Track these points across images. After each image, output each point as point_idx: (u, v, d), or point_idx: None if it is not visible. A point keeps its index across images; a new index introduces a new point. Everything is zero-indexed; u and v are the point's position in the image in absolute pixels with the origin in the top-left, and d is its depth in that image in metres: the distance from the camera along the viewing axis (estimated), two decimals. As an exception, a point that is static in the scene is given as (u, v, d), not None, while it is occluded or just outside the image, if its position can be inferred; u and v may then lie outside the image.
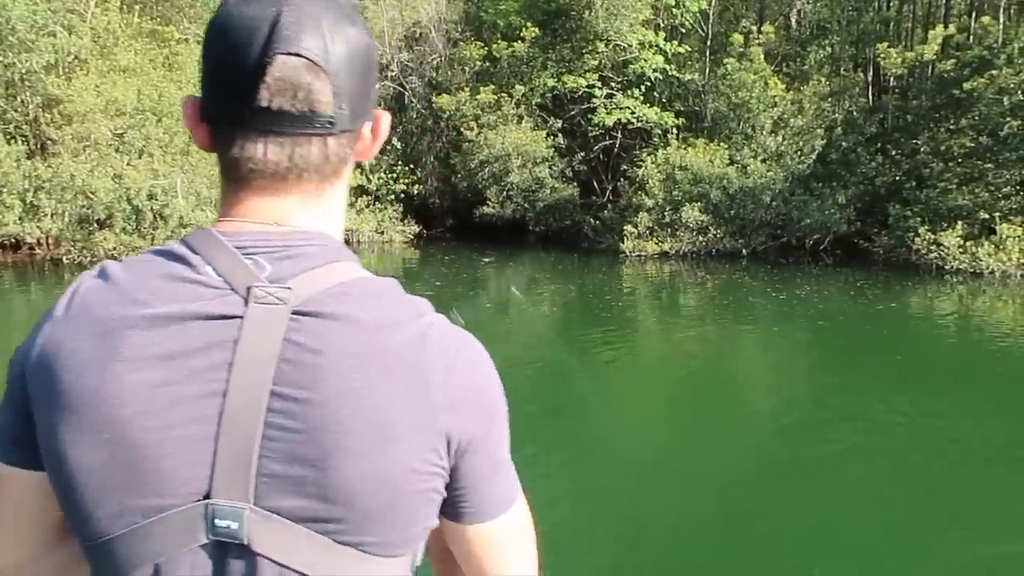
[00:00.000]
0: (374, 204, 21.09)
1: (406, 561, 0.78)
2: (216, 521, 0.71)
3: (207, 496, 0.71)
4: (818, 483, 5.30)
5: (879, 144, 18.89)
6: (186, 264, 0.74)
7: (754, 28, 20.50)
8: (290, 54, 0.72)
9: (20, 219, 15.83)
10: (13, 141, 16.94)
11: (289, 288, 0.73)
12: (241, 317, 0.72)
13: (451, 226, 23.14)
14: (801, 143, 18.51)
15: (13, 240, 16.55)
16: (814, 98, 19.07)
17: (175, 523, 0.72)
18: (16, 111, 18.25)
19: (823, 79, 19.95)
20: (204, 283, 0.73)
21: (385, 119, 0.83)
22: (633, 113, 20.12)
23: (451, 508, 0.80)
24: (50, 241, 16.76)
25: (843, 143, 18.91)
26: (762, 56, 19.04)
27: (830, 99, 19.58)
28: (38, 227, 15.95)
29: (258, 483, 0.71)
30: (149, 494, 0.71)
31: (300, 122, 0.74)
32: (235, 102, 0.74)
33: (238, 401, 0.71)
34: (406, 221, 21.36)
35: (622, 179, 20.24)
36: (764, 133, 18.88)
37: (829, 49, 22.33)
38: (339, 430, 0.71)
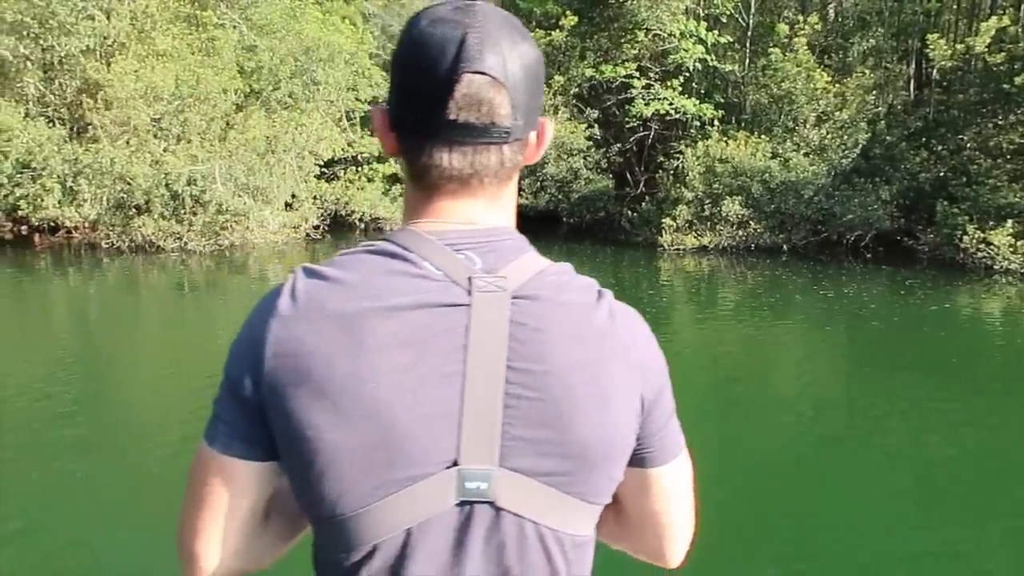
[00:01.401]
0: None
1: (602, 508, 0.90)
2: (466, 483, 0.81)
3: (455, 463, 0.81)
4: (857, 488, 5.14)
5: (923, 139, 18.46)
6: (405, 260, 0.83)
7: (798, 18, 20.07)
8: (476, 72, 0.81)
9: (59, 203, 15.89)
10: (52, 125, 17.00)
11: (504, 277, 0.84)
12: (467, 305, 0.81)
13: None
14: (844, 137, 18.11)
15: (51, 224, 16.64)
16: (858, 91, 18.65)
17: (428, 489, 0.80)
18: (55, 95, 18.31)
19: (867, 71, 19.50)
20: (427, 276, 0.82)
21: (549, 126, 0.92)
22: (671, 104, 19.80)
23: (635, 456, 0.91)
24: (87, 225, 16.83)
25: (887, 137, 18.50)
26: (806, 46, 18.64)
27: (874, 92, 19.14)
28: (77, 212, 16.01)
29: (503, 447, 0.81)
30: (405, 466, 0.80)
31: (482, 133, 0.83)
32: (425, 114, 0.83)
33: (478, 377, 0.80)
34: (440, 211, 21.24)
35: (660, 171, 19.95)
36: (807, 126, 18.50)
37: (872, 41, 21.84)
38: (570, 396, 0.82)
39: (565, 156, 20.14)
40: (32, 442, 5.91)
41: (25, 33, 16.66)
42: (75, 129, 17.66)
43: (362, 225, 20.22)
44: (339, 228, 19.85)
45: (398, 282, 0.82)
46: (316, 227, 18.77)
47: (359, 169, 20.40)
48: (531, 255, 0.88)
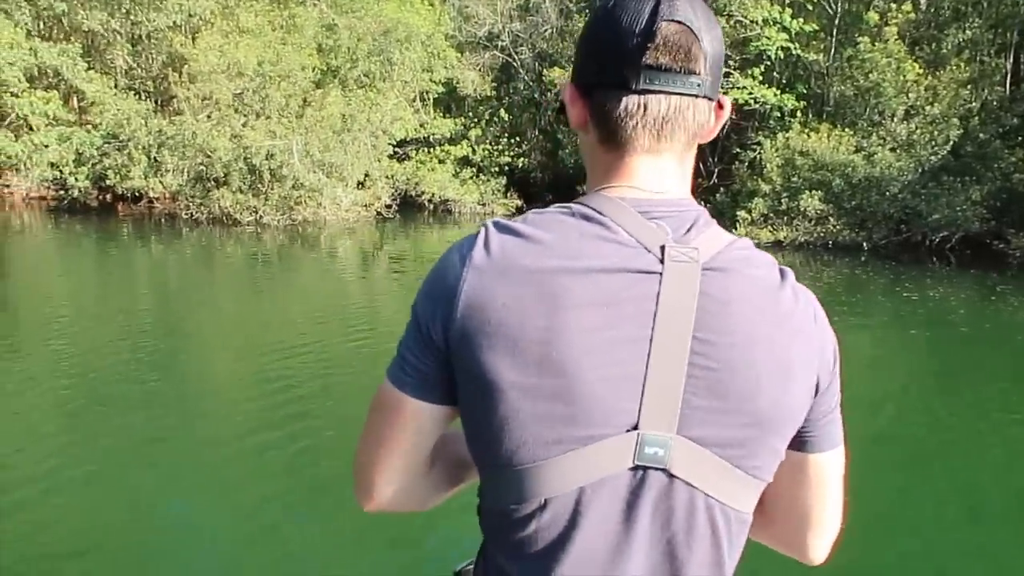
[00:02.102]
0: (477, 176, 20.97)
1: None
2: (645, 448, 0.82)
3: (635, 427, 0.82)
4: (937, 503, 4.85)
5: (1019, 138, 17.49)
6: (600, 225, 0.85)
7: (889, 6, 19.22)
8: (673, 21, 0.84)
9: (144, 174, 16.40)
10: (139, 98, 17.55)
11: (695, 248, 0.84)
12: (659, 273, 0.83)
13: (551, 201, 22.58)
14: (935, 132, 17.28)
15: (134, 193, 17.20)
16: (951, 85, 17.75)
17: (607, 450, 0.82)
18: (141, 68, 18.90)
19: (961, 64, 18.56)
20: (621, 242, 0.84)
21: (727, 103, 0.93)
22: (751, 94, 19.25)
23: (798, 438, 0.91)
24: (167, 196, 17.35)
25: (980, 135, 17.58)
26: (897, 36, 17.84)
27: (968, 86, 18.21)
28: (160, 182, 16.50)
29: (681, 415, 0.82)
30: (588, 424, 0.81)
31: (679, 80, 0.85)
32: (622, 68, 0.86)
33: (665, 344, 0.81)
34: (509, 195, 21.16)
35: (736, 162, 19.45)
36: (895, 120, 17.73)
37: (968, 33, 20.78)
38: (754, 369, 0.83)
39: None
40: (106, 398, 6.12)
41: (116, 7, 17.20)
42: (160, 102, 18.22)
43: (431, 206, 20.32)
44: (408, 208, 19.99)
45: (593, 245, 0.83)
46: (388, 206, 18.94)
47: (431, 150, 20.48)
48: (716, 228, 0.89)
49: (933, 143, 17.18)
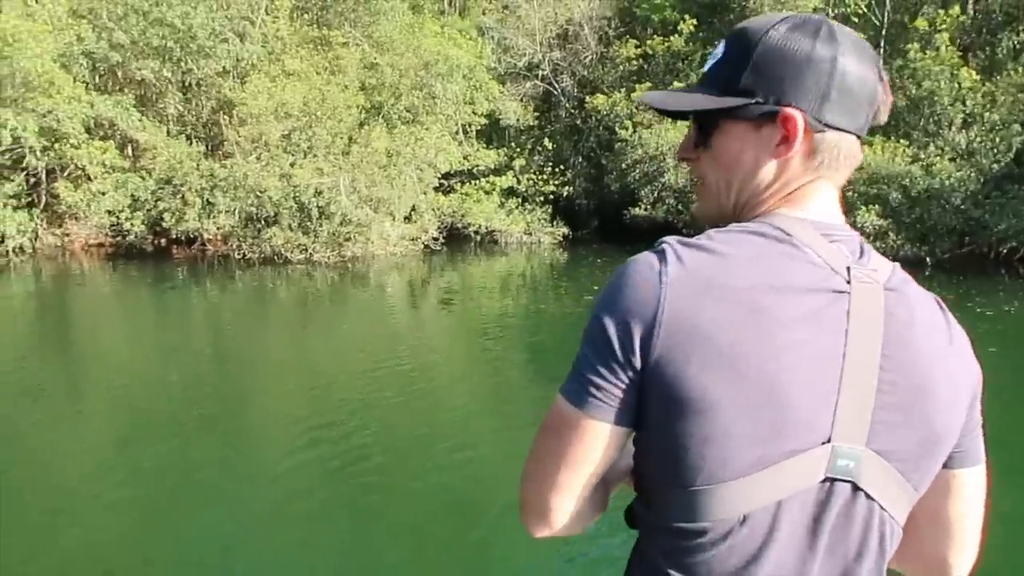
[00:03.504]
0: (523, 205, 20.91)
1: None
2: (838, 461, 0.84)
3: (827, 440, 0.84)
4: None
5: (1086, 141, 16.76)
6: (790, 245, 0.88)
7: (938, 12, 18.74)
8: (884, 82, 0.94)
9: (199, 216, 16.71)
10: (191, 142, 17.96)
11: (875, 269, 0.89)
12: (847, 293, 0.86)
13: (596, 228, 22.60)
14: (996, 139, 16.69)
15: (188, 236, 17.52)
16: (1009, 90, 17.17)
17: (804, 463, 0.83)
18: (192, 114, 19.37)
19: (1019, 68, 17.95)
20: (812, 262, 0.87)
21: None
22: (799, 109, 18.88)
23: (949, 455, 0.93)
24: (219, 238, 17.62)
25: (1045, 140, 16.92)
26: (948, 42, 17.36)
27: (1028, 91, 17.57)
28: (214, 223, 16.77)
29: (870, 429, 0.85)
30: (788, 439, 0.83)
31: (866, 128, 0.95)
32: (861, 115, 0.93)
33: (857, 360, 0.84)
34: (555, 223, 21.03)
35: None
36: (953, 129, 17.18)
37: (1023, 36, 20.14)
38: (931, 385, 0.87)
39: (683, 165, 19.55)
40: (161, 434, 6.16)
41: (167, 57, 17.69)
42: (210, 146, 18.61)
43: (477, 238, 20.28)
44: (454, 240, 20.00)
45: (787, 264, 0.86)
46: (435, 239, 18.96)
47: (475, 182, 20.51)
48: (876, 252, 0.93)
49: (995, 151, 16.59)
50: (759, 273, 0.84)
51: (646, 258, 0.87)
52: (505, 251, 19.88)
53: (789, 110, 0.91)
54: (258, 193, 16.51)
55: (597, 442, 0.88)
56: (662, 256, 0.85)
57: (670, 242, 0.87)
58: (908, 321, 0.87)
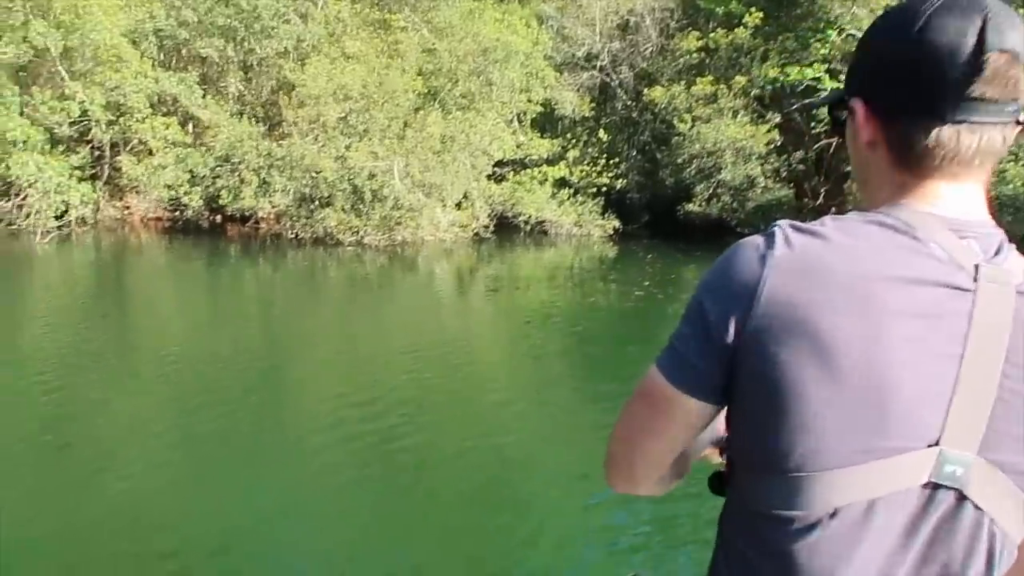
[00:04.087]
0: (575, 197, 20.73)
1: None
2: (944, 466, 0.80)
3: (935, 443, 0.80)
4: None
5: None
6: (911, 237, 0.83)
7: (1020, 10, 17.94)
8: (1003, 51, 0.80)
9: (255, 195, 16.96)
10: (250, 122, 18.23)
11: (1008, 270, 0.83)
12: (971, 291, 0.81)
13: (647, 223, 22.26)
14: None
15: (242, 214, 17.82)
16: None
17: (907, 463, 0.80)
18: (252, 94, 19.66)
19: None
20: (934, 256, 0.82)
21: None
22: (864, 108, 18.32)
23: None
24: (273, 217, 17.87)
25: None
26: None
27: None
28: (269, 202, 17.02)
29: (984, 436, 0.80)
30: (893, 435, 0.79)
31: (998, 111, 0.83)
32: (939, 96, 0.83)
33: (977, 363, 0.80)
34: (606, 216, 20.81)
35: (849, 180, 18.50)
36: (1027, 134, 16.48)
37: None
38: None
39: (742, 161, 19.15)
40: (209, 407, 6.36)
41: (231, 36, 17.97)
42: (269, 126, 18.85)
43: (527, 227, 20.20)
44: (504, 229, 19.95)
45: (905, 256, 0.82)
46: (485, 227, 18.93)
47: (528, 171, 20.39)
48: (1016, 251, 0.87)
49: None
50: (871, 261, 0.81)
51: (753, 240, 0.86)
52: (554, 242, 19.76)
53: (853, 101, 0.90)
54: (313, 174, 16.69)
55: (684, 416, 0.90)
56: (770, 238, 0.84)
57: (781, 225, 0.85)
58: None
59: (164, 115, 17.74)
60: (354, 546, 4.22)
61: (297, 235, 17.21)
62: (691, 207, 19.80)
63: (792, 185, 19.70)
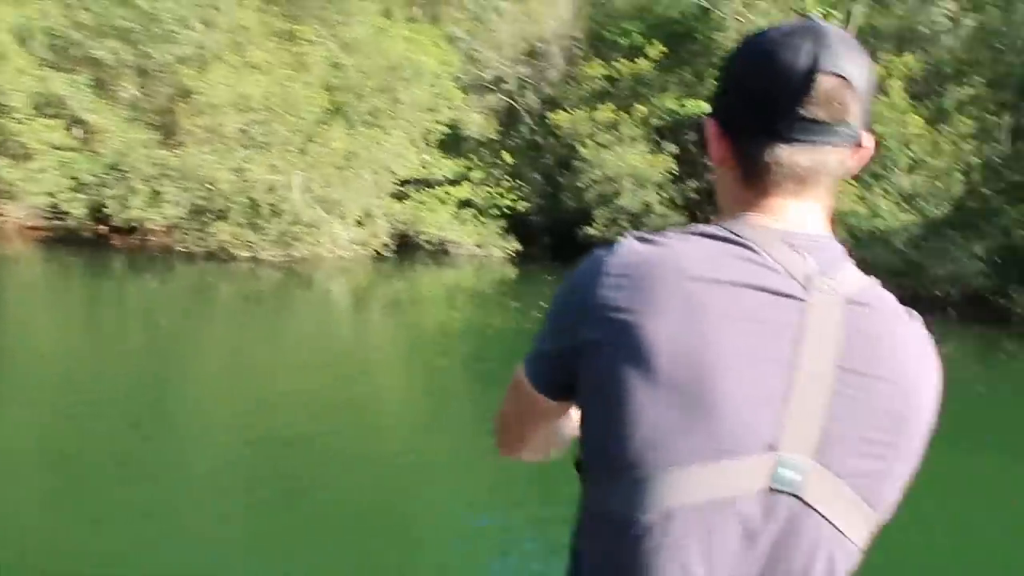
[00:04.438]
0: (477, 218, 20.89)
1: None
2: (780, 470, 0.81)
3: (772, 449, 0.81)
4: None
5: (1022, 194, 17.43)
6: (746, 248, 0.86)
7: (892, 59, 19.33)
8: (832, 74, 0.84)
9: (145, 205, 16.32)
10: (145, 129, 17.55)
11: (839, 281, 0.86)
12: (803, 300, 0.84)
13: (548, 245, 22.65)
14: (938, 185, 17.25)
15: (129, 225, 17.09)
16: (955, 138, 17.79)
17: (742, 468, 0.80)
18: (148, 100, 18.94)
19: (964, 120, 18.61)
20: (766, 265, 0.85)
21: (870, 142, 0.92)
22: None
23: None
24: (163, 230, 17.23)
25: (983, 189, 17.55)
26: (901, 89, 17.91)
27: (970, 141, 18.24)
28: (160, 214, 16.39)
29: (821, 443, 0.82)
30: (723, 438, 0.80)
31: (831, 132, 0.87)
32: (775, 115, 0.86)
33: (810, 370, 0.82)
34: (508, 237, 21.05)
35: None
36: (899, 172, 17.71)
37: (970, 89, 20.89)
38: (897, 404, 0.85)
39: (640, 188, 19.77)
40: (87, 433, 5.97)
41: (128, 38, 17.29)
42: (164, 134, 18.20)
43: (429, 247, 20.20)
44: (405, 248, 19.89)
45: (737, 263, 0.84)
46: (385, 245, 18.81)
47: (431, 190, 20.43)
48: (852, 265, 0.90)
49: (936, 197, 17.13)
50: (701, 266, 0.83)
51: (599, 249, 0.90)
52: (455, 263, 19.82)
53: (706, 120, 0.95)
54: (209, 185, 16.21)
55: (539, 406, 0.97)
56: (612, 247, 0.88)
57: (626, 235, 0.90)
58: (872, 335, 0.84)
59: (49, 117, 16.87)
60: (240, 570, 4.12)
61: (188, 249, 16.64)
62: (591, 231, 20.26)
63: (687, 212, 20.46)
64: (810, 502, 0.82)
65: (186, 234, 16.66)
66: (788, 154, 0.88)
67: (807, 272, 0.85)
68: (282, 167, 16.65)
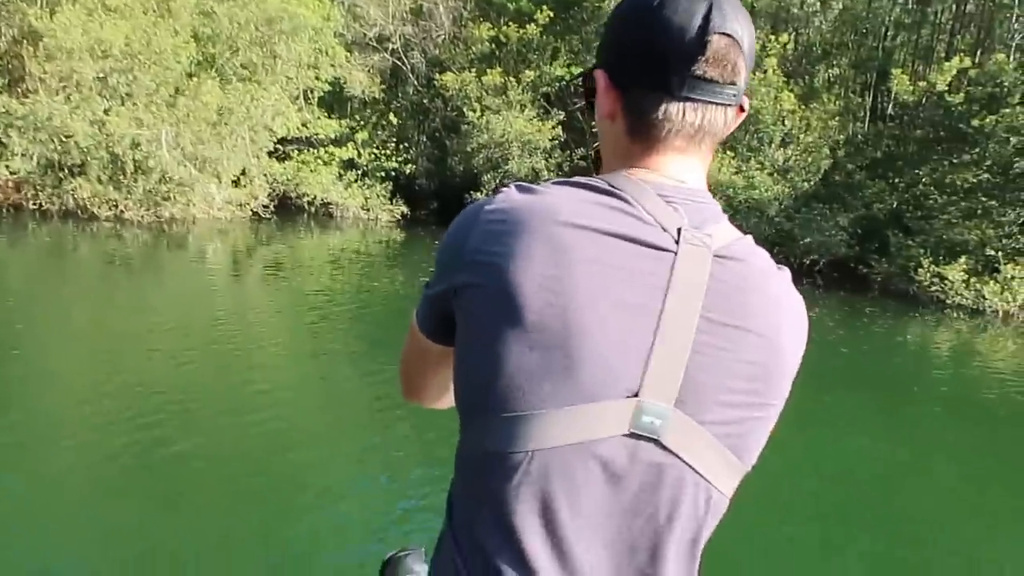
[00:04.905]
0: (362, 180, 20.23)
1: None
2: (643, 416, 0.82)
3: (634, 395, 0.82)
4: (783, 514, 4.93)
5: (880, 170, 18.69)
6: (619, 199, 0.86)
7: (769, 38, 20.12)
8: (723, 34, 0.86)
9: (-14, 157, 14.70)
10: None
11: (710, 235, 0.87)
12: (673, 252, 0.84)
13: (435, 209, 22.32)
14: (808, 160, 18.20)
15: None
16: (822, 116, 18.79)
17: (604, 412, 0.81)
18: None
19: (832, 99, 19.69)
20: (638, 217, 0.85)
21: (747, 105, 0.95)
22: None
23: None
24: (11, 185, 15.62)
25: (847, 165, 18.68)
26: (776, 67, 18.69)
27: (837, 119, 19.34)
28: (6, 167, 14.81)
29: (682, 390, 0.83)
30: (587, 382, 0.81)
31: (719, 92, 0.88)
32: (667, 72, 0.87)
33: (674, 319, 0.83)
34: (394, 201, 20.53)
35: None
36: (772, 146, 18.53)
37: (836, 70, 22.13)
38: (759, 354, 0.86)
39: (528, 155, 19.74)
40: None
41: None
42: (9, 80, 16.41)
43: (312, 209, 19.39)
44: (286, 210, 19.00)
45: (607, 213, 0.85)
46: (265, 206, 17.89)
47: (313, 151, 19.57)
48: (727, 222, 0.91)
49: (806, 170, 18.07)
50: (570, 213, 0.83)
51: (481, 200, 0.90)
52: (340, 226, 19.15)
53: (596, 71, 0.93)
54: (63, 138, 14.77)
55: (427, 350, 0.99)
56: (493, 196, 0.88)
57: (508, 184, 0.90)
58: (736, 287, 0.86)
59: None
60: (114, 560, 3.71)
61: (41, 206, 15.17)
62: (478, 196, 20.07)
63: (573, 180, 20.65)
64: (672, 448, 0.83)
65: (39, 190, 15.16)
66: (678, 111, 0.88)
67: (679, 225, 0.86)
68: (148, 121, 15.39)
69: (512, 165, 19.62)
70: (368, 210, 20.08)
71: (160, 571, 3.68)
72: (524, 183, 0.88)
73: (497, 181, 19.86)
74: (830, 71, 22.14)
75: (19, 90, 15.87)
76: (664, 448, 0.83)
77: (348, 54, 20.18)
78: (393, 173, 20.72)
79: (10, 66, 16.64)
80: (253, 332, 8.66)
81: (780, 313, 0.88)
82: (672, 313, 0.82)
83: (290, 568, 3.81)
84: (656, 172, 0.90)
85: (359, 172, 20.21)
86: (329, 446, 5.43)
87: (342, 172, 19.86)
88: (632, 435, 0.82)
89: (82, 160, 15.04)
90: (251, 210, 17.56)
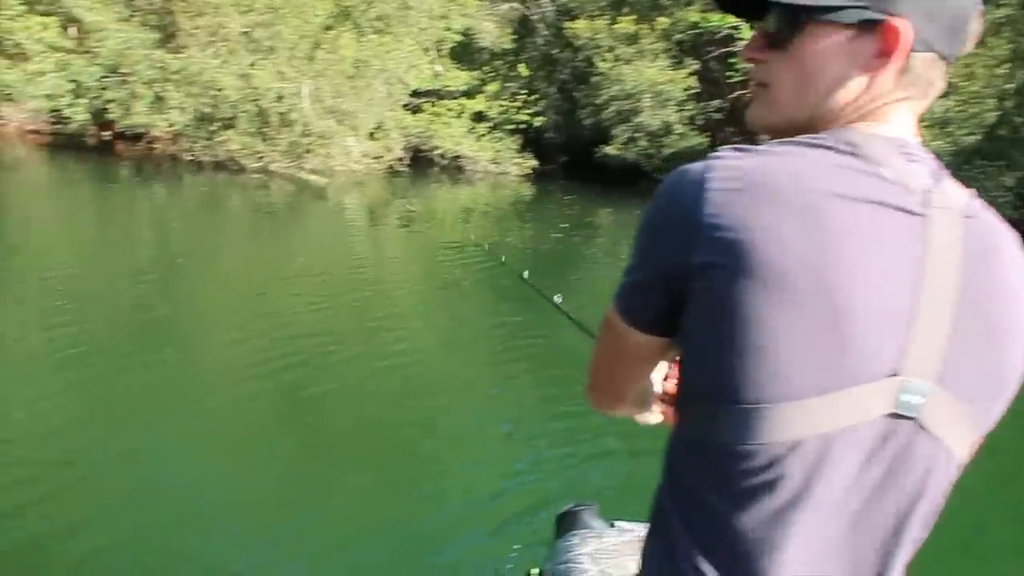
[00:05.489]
0: (492, 132, 20.20)
1: None
2: (902, 396, 0.77)
3: (894, 373, 0.77)
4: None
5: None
6: (858, 158, 0.80)
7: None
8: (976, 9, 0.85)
9: (149, 111, 15.60)
10: (143, 29, 16.63)
11: (950, 194, 0.82)
12: (922, 215, 0.79)
13: (563, 163, 22.06)
14: (971, 112, 16.68)
15: (134, 132, 16.40)
16: (989, 62, 17.12)
17: (868, 393, 0.77)
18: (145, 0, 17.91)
19: (1001, 42, 17.88)
20: (884, 178, 0.79)
21: None
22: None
23: None
24: (169, 136, 16.55)
25: (1015, 118, 17.00)
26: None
27: (1005, 66, 17.57)
28: (165, 120, 15.69)
29: (944, 364, 0.78)
30: (851, 364, 0.75)
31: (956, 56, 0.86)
32: (958, 38, 0.84)
33: (934, 289, 0.78)
34: (524, 154, 20.41)
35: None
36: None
37: (1009, 9, 20.06)
38: (1011, 322, 0.81)
39: (660, 106, 19.08)
40: (98, 345, 5.68)
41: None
42: (164, 36, 17.28)
43: (444, 161, 19.57)
44: (418, 164, 19.27)
45: (851, 176, 0.78)
46: (399, 159, 18.20)
47: (444, 103, 19.67)
48: (950, 177, 0.86)
49: (969, 123, 16.60)
50: (819, 181, 0.76)
51: (694, 165, 0.81)
52: (470, 180, 19.27)
53: (897, 21, 0.81)
54: (214, 92, 15.46)
55: (637, 347, 0.90)
56: (711, 162, 0.79)
57: (723, 149, 0.81)
58: (987, 251, 0.81)
59: (42, 15, 15.92)
60: (260, 493, 3.88)
61: (196, 158, 16.02)
62: (609, 150, 19.67)
63: (708, 134, 19.84)
64: (928, 426, 0.80)
65: (193, 143, 16.00)
66: (941, 71, 0.85)
67: (924, 185, 0.80)
68: (290, 74, 15.86)
69: (643, 117, 19.04)
70: (498, 163, 20.08)
71: (298, 502, 3.77)
72: (741, 147, 0.80)
73: (629, 135, 19.35)
74: (998, 10, 20.12)
75: (173, 45, 16.71)
76: (921, 426, 0.80)
77: (478, 3, 20.02)
78: (523, 126, 20.57)
79: (164, 22, 17.51)
80: (387, 283, 8.90)
81: (1021, 275, 0.84)
82: (930, 283, 0.78)
83: (419, 507, 3.82)
84: (891, 126, 0.84)
85: (489, 124, 20.18)
86: (459, 393, 5.49)
87: (473, 124, 19.90)
88: (892, 415, 0.78)
89: (231, 114, 15.71)
90: (387, 163, 17.92)
